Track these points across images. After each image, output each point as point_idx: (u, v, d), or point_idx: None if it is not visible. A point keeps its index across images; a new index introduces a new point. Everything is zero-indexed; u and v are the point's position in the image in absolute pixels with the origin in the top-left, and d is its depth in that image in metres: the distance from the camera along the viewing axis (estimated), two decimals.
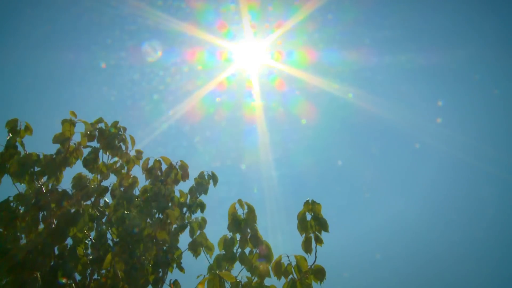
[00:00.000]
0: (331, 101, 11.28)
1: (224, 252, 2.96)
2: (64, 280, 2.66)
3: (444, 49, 11.04)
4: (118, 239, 3.22)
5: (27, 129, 3.19)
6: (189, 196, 3.71)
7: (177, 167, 3.65)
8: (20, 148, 3.10)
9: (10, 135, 3.10)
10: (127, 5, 9.57)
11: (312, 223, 2.75)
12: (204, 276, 3.19)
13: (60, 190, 3.01)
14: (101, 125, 3.47)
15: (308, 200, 2.84)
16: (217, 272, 2.48)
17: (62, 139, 3.22)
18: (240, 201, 3.00)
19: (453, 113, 11.88)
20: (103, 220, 3.38)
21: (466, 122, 12.09)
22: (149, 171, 3.56)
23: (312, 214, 2.79)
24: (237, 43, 9.41)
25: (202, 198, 3.77)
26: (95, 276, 3.12)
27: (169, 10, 9.51)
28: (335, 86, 10.57)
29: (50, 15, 10.54)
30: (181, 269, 3.44)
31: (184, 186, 3.77)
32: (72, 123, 3.28)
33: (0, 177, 2.98)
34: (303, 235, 2.79)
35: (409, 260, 10.72)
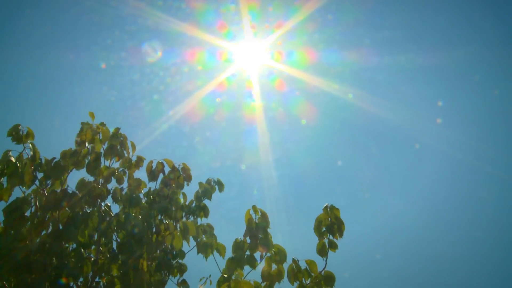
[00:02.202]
0: (331, 101, 11.30)
1: (234, 255, 2.99)
2: (68, 282, 2.66)
3: (444, 49, 11.06)
4: (120, 241, 3.23)
5: (29, 134, 3.17)
6: (194, 202, 3.72)
7: (179, 169, 3.65)
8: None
9: (14, 142, 3.09)
10: (127, 5, 9.57)
11: (332, 227, 2.78)
12: (207, 278, 3.21)
13: (70, 191, 3.03)
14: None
15: (327, 205, 2.86)
16: (238, 279, 2.49)
17: (79, 141, 3.26)
18: (254, 207, 3.03)
19: (453, 114, 11.90)
20: (106, 222, 3.38)
21: (466, 122, 12.11)
22: (152, 174, 3.57)
23: (330, 219, 2.83)
24: (237, 44, 9.42)
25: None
26: (97, 279, 3.12)
27: (169, 11, 9.52)
28: (335, 87, 10.58)
29: (50, 15, 10.54)
30: (181, 273, 3.44)
31: (186, 189, 3.77)
32: (90, 128, 3.31)
33: (14, 185, 2.97)
34: (319, 240, 2.83)
35: (409, 260, 10.74)
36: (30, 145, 3.12)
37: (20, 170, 2.94)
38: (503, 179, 11.14)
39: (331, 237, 2.83)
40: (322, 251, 2.80)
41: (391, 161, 13.22)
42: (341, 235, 2.81)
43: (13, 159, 2.95)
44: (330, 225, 2.82)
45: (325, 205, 2.87)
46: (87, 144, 3.30)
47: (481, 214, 11.34)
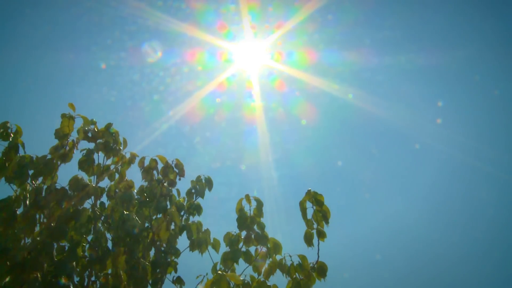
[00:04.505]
0: (331, 101, 11.29)
1: (229, 250, 2.94)
2: (63, 281, 2.65)
3: (444, 50, 11.05)
4: (116, 240, 3.22)
5: (17, 132, 3.11)
6: (186, 199, 3.70)
7: (172, 166, 3.63)
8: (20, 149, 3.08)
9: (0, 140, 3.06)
10: (127, 5, 9.59)
11: (316, 216, 2.71)
12: (204, 276, 3.20)
13: (59, 188, 2.98)
14: (91, 126, 3.44)
15: (310, 190, 2.77)
16: (223, 273, 2.44)
17: (61, 134, 3.19)
18: (247, 197, 2.94)
19: (453, 114, 11.88)
20: (101, 221, 3.37)
21: (466, 122, 12.09)
22: (146, 171, 3.54)
23: (314, 207, 2.75)
24: (237, 44, 9.43)
25: (200, 199, 3.75)
26: (93, 278, 3.11)
27: (169, 11, 9.53)
28: (335, 87, 10.58)
29: (50, 16, 10.55)
30: (175, 270, 3.44)
31: (180, 186, 3.77)
32: (71, 118, 3.25)
33: (0, 177, 2.96)
34: (305, 228, 2.75)
35: (409, 261, 10.72)
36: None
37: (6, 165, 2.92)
38: (503, 179, 11.12)
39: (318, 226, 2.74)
40: (308, 239, 2.71)
41: (391, 161, 13.21)
42: (327, 222, 2.71)
43: None
44: (315, 213, 2.71)
45: (308, 190, 2.77)
46: (70, 138, 3.23)
47: (481, 214, 11.33)
